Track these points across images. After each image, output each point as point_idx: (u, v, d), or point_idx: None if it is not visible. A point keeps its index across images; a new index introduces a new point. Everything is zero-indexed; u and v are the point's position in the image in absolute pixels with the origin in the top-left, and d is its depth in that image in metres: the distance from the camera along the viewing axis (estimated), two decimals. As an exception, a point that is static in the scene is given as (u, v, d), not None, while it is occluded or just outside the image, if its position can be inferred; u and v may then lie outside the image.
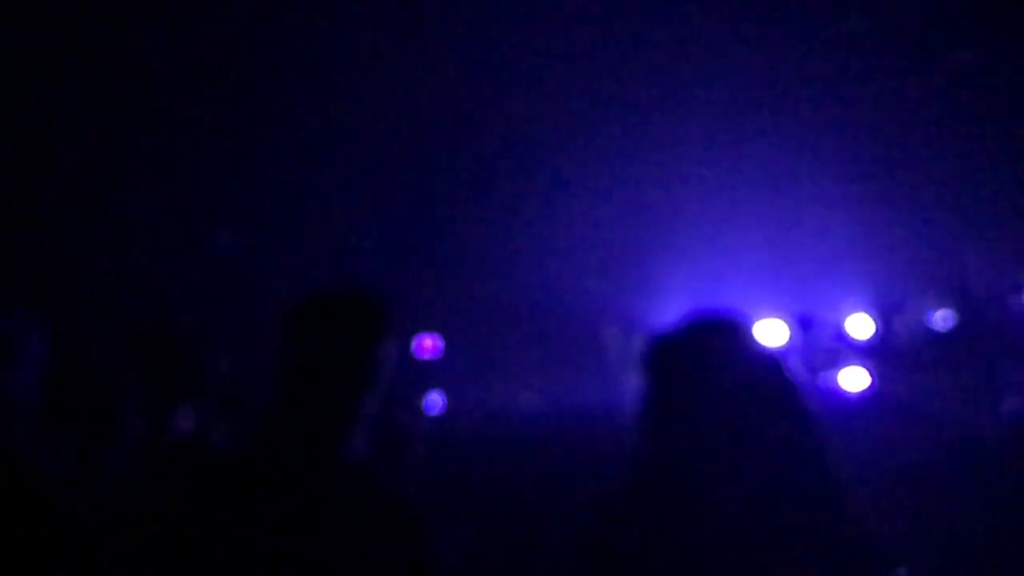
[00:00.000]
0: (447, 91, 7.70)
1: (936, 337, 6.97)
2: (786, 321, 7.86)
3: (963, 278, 6.96)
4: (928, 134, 6.85)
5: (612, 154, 7.84)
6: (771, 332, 8.05)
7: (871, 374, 7.08)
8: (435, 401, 7.79)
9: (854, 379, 7.23)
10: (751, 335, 1.87)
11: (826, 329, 7.62)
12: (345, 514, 1.73)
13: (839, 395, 7.28)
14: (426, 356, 7.96)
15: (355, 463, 1.85)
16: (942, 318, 7.08)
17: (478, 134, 7.88)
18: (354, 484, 1.80)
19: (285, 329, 1.91)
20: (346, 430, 1.87)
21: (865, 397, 6.98)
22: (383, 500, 1.77)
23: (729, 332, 1.82)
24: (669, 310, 8.52)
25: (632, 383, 7.90)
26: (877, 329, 7.33)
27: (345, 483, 1.79)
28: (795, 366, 7.14)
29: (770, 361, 1.83)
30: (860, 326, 7.42)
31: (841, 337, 7.50)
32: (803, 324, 7.57)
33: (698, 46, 7.31)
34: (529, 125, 7.83)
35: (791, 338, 7.87)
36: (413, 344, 7.91)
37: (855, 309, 7.50)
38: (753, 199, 7.63)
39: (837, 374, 7.36)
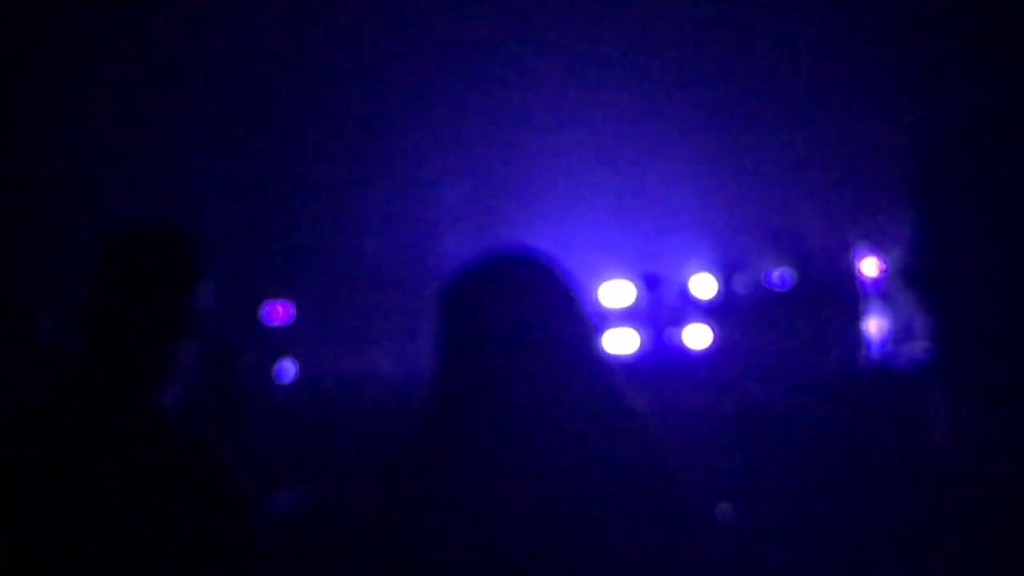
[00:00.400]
0: (300, 58, 7.56)
1: (774, 295, 7.27)
2: (634, 281, 8.10)
3: (799, 239, 7.27)
4: (766, 99, 7.10)
5: (464, 125, 7.86)
6: (619, 292, 8.30)
7: (713, 331, 7.36)
8: (287, 368, 7.68)
9: (698, 336, 7.50)
10: (547, 273, 1.84)
11: (672, 288, 7.86)
12: (149, 463, 1.67)
13: (685, 352, 7.55)
14: (277, 323, 7.84)
15: (167, 411, 1.76)
16: (779, 277, 7.39)
17: (330, 99, 7.76)
18: (161, 433, 1.73)
19: (93, 269, 1.78)
20: (155, 377, 1.76)
21: (708, 353, 7.24)
22: (189, 448, 1.69)
23: (521, 269, 1.80)
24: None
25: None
26: (719, 288, 7.60)
27: (151, 431, 1.71)
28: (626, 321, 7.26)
29: (564, 298, 1.80)
30: (704, 286, 7.69)
31: (685, 296, 7.76)
32: (649, 283, 7.78)
33: (544, 23, 7.41)
34: (384, 95, 7.77)
35: (638, 297, 8.12)
36: (263, 310, 7.78)
37: (699, 269, 7.76)
38: (600, 164, 7.79)
39: (682, 331, 7.62)
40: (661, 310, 7.91)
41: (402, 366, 7.63)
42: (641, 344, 7.99)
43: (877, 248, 6.81)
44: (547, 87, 7.47)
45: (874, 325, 7.01)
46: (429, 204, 8.09)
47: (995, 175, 5.41)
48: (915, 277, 5.86)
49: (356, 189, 8.05)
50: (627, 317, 8.24)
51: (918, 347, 6.23)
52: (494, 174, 7.96)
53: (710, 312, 7.49)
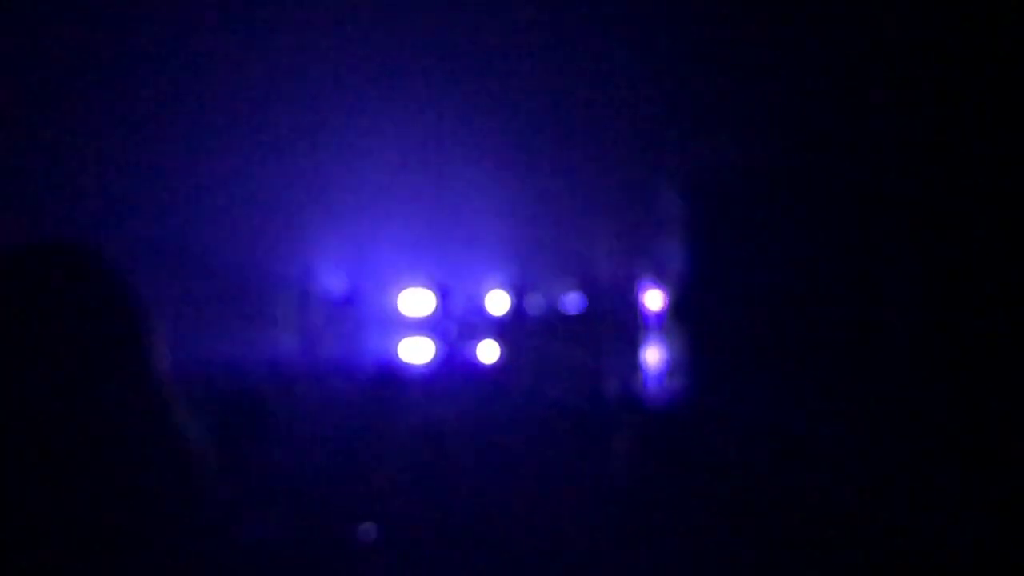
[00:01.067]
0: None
1: (564, 318, 7.53)
2: (433, 291, 8.22)
3: (589, 266, 7.56)
4: (566, 129, 7.37)
5: (267, 122, 7.80)
6: (418, 300, 8.39)
7: (502, 348, 7.56)
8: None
9: (488, 352, 7.69)
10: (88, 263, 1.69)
11: (468, 302, 8.03)
12: None
13: (476, 366, 7.73)
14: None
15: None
16: (572, 301, 7.67)
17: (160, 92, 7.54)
18: None
19: None
20: None
21: (496, 368, 7.45)
22: None
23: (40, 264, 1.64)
24: (326, 274, 8.70)
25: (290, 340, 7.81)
26: (512, 306, 7.81)
27: None
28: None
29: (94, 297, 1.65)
30: (497, 302, 7.88)
31: (479, 310, 7.94)
32: (444, 295, 7.92)
33: (348, 30, 7.47)
34: (184, 83, 7.63)
35: (437, 307, 8.25)
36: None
37: (494, 285, 7.95)
38: (404, 172, 7.88)
39: (476, 346, 7.79)
40: (454, 322, 8.07)
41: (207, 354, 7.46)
42: (436, 355, 8.11)
43: (660, 282, 7.17)
44: (352, 90, 7.51)
45: (653, 356, 7.36)
46: (225, 199, 7.96)
47: (757, 219, 5.83)
48: (681, 313, 6.23)
49: (148, 174, 7.84)
50: (424, 327, 8.35)
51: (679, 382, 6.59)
52: (307, 183, 7.94)
53: (501, 329, 7.69)
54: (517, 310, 7.76)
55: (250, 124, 7.79)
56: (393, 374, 7.66)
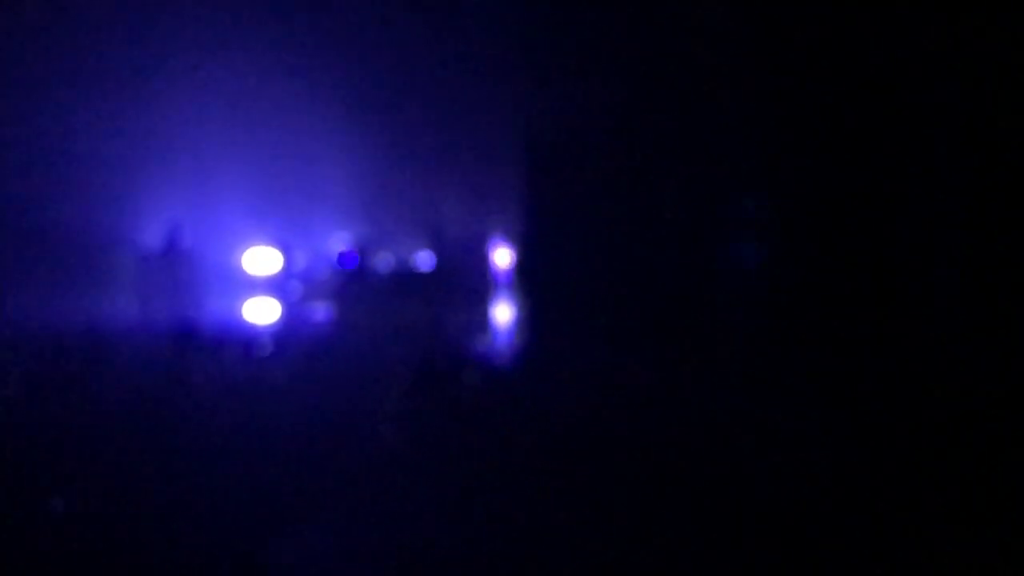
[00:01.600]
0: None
1: (411, 276, 7.32)
2: (279, 250, 7.92)
3: (439, 223, 7.36)
4: (411, 78, 7.12)
5: (102, 69, 7.35)
6: (265, 259, 8.09)
7: (344, 307, 7.34)
8: None
9: (329, 311, 7.46)
10: None
11: (312, 261, 7.76)
12: None
13: (319, 325, 7.48)
14: None
15: None
16: (419, 259, 7.45)
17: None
18: None
19: None
20: None
21: (323, 324, 7.23)
22: None
23: None
24: (160, 232, 8.31)
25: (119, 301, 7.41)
26: (355, 264, 7.57)
27: None
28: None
29: None
30: (340, 260, 7.63)
31: (324, 270, 7.68)
32: (288, 254, 7.64)
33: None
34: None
35: (281, 267, 7.95)
36: None
37: (339, 244, 7.70)
38: (250, 125, 7.55)
39: (318, 305, 7.54)
40: (298, 281, 7.80)
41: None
42: (280, 315, 7.85)
43: (508, 238, 7.01)
44: (191, 30, 7.11)
45: (500, 314, 7.22)
46: (56, 148, 7.46)
47: (606, 168, 5.72)
48: (527, 270, 6.09)
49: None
50: (269, 286, 8.06)
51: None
52: (132, 123, 7.48)
53: (345, 288, 7.44)
54: (361, 268, 7.52)
55: (75, 66, 7.33)
56: (236, 334, 7.39)
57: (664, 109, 5.35)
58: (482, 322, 7.30)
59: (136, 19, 7.38)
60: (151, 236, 8.16)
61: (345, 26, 7.06)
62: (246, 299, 8.05)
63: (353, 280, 7.38)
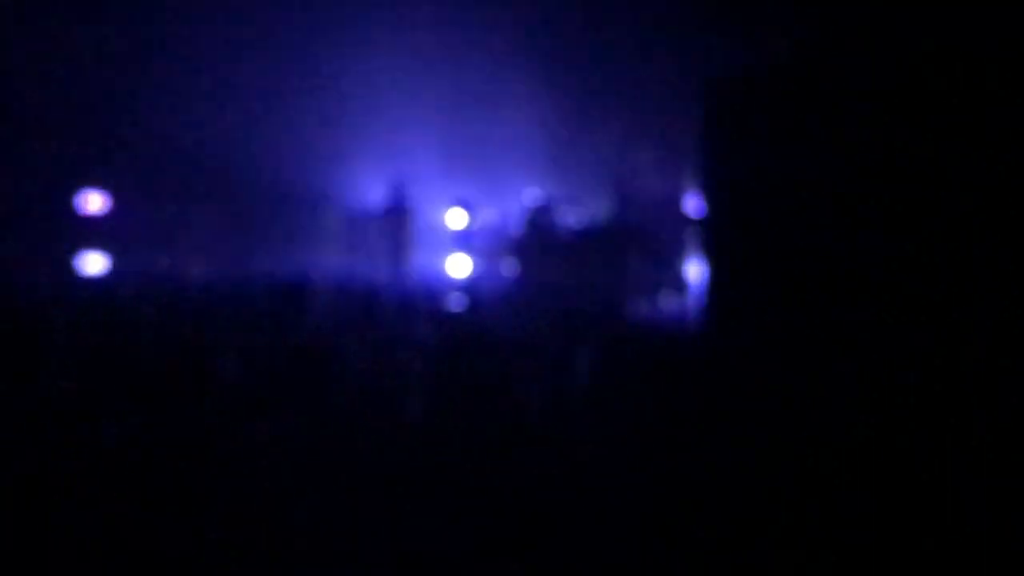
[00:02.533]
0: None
1: (595, 233, 7.22)
2: (466, 208, 8.04)
3: (625, 179, 7.19)
4: (595, 31, 6.95)
5: (294, 39, 7.62)
6: (458, 216, 8.23)
7: (520, 264, 7.36)
8: (96, 261, 7.42)
9: (513, 267, 7.52)
10: None
11: (500, 218, 7.81)
12: None
13: (505, 281, 7.54)
14: (90, 213, 7.53)
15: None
16: (602, 215, 7.33)
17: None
18: None
19: None
20: None
21: (513, 283, 7.25)
22: None
23: None
24: (359, 190, 8.59)
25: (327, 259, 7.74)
26: (540, 221, 7.55)
27: None
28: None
29: None
30: (524, 217, 7.64)
31: (511, 226, 7.71)
32: (477, 211, 7.73)
33: None
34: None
35: (470, 224, 8.07)
36: (76, 200, 7.46)
37: (524, 201, 7.70)
38: (438, 94, 7.68)
39: (501, 261, 7.58)
40: (489, 238, 7.87)
41: (213, 267, 7.43)
42: (473, 269, 7.98)
43: (697, 195, 6.75)
44: (399, 15, 7.26)
45: (686, 274, 6.99)
46: (259, 108, 7.81)
47: (802, 126, 5.35)
48: (715, 227, 5.81)
49: (191, 81, 7.72)
50: (462, 242, 8.19)
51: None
52: (324, 91, 7.74)
53: (528, 245, 7.44)
54: (552, 224, 7.47)
55: (283, 41, 7.62)
56: (438, 287, 7.56)
57: (856, 58, 4.94)
58: (672, 281, 7.11)
59: (373, 4, 7.59)
60: (371, 196, 8.44)
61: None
62: (446, 255, 8.25)
63: (543, 236, 7.36)
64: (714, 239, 5.95)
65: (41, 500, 2.38)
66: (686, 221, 6.93)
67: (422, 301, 7.17)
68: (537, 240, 7.28)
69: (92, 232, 7.42)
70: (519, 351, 5.44)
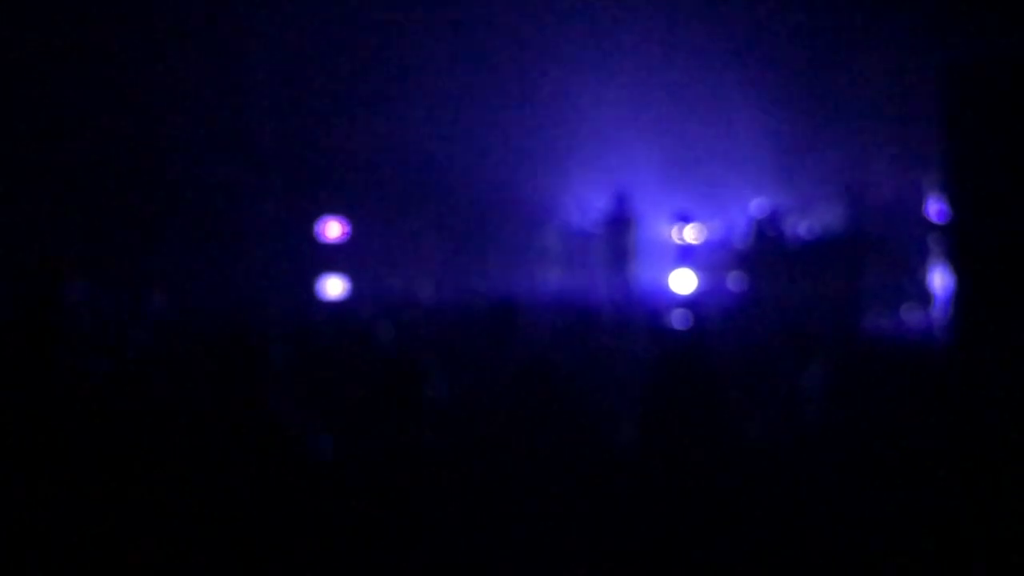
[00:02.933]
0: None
1: (825, 243, 6.87)
2: (690, 221, 7.88)
3: (859, 185, 6.81)
4: (828, 35, 6.64)
5: (534, 56, 7.75)
6: (676, 231, 8.06)
7: (748, 277, 7.11)
8: (336, 284, 7.79)
9: (739, 280, 7.32)
10: None
11: (728, 231, 7.58)
12: None
13: (726, 296, 7.33)
14: (332, 239, 7.92)
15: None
16: (834, 224, 6.97)
17: (388, 19, 7.71)
18: None
19: None
20: None
21: (740, 296, 6.99)
22: None
23: None
24: (582, 210, 8.59)
25: (545, 274, 7.80)
26: (769, 233, 7.27)
27: None
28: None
29: None
30: (751, 230, 7.38)
31: (738, 239, 7.47)
32: (697, 224, 7.57)
33: None
34: (444, 22, 7.71)
35: (695, 236, 7.88)
36: (317, 227, 7.88)
37: (754, 212, 7.44)
38: (663, 112, 7.60)
39: (727, 275, 7.36)
40: (717, 251, 7.66)
41: (442, 290, 7.64)
42: (699, 284, 7.80)
43: (940, 204, 6.29)
44: (611, 26, 7.27)
45: (938, 280, 6.51)
46: (489, 135, 7.98)
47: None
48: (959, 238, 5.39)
49: (422, 113, 8.02)
50: (689, 257, 8.02)
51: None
52: (554, 107, 7.82)
53: (757, 256, 7.16)
54: (779, 236, 7.17)
55: (506, 61, 7.79)
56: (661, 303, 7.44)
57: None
58: (914, 292, 6.66)
59: (593, 19, 7.67)
60: (594, 210, 8.41)
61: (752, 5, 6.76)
62: (670, 269, 8.11)
63: (771, 248, 7.07)
64: (960, 245, 5.52)
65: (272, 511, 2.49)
66: (928, 226, 6.48)
67: (644, 317, 7.05)
68: (765, 252, 6.99)
69: (332, 257, 7.81)
70: (746, 372, 5.23)
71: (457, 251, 7.87)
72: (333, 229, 7.92)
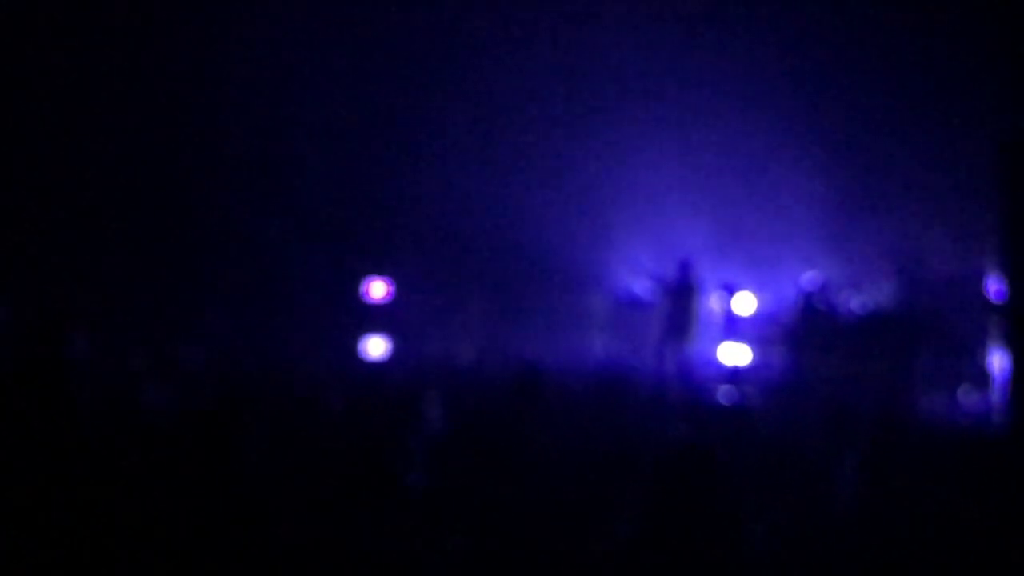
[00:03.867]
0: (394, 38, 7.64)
1: (878, 319, 6.63)
2: (736, 292, 7.68)
3: (913, 261, 6.60)
4: (887, 112, 6.51)
5: (590, 123, 7.73)
6: (742, 302, 7.84)
7: (796, 352, 6.88)
8: (378, 345, 7.73)
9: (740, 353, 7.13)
10: None
11: (782, 301, 7.39)
12: None
13: (773, 370, 7.12)
14: (376, 300, 7.89)
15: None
16: (887, 299, 6.74)
17: (432, 78, 7.76)
18: None
19: None
20: None
21: (786, 372, 6.76)
22: None
23: None
24: (630, 278, 8.46)
25: (592, 342, 7.64)
26: (802, 309, 7.07)
27: None
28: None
29: None
30: (794, 300, 7.20)
31: (790, 312, 7.27)
32: (747, 296, 7.38)
33: (666, 47, 7.26)
34: (490, 84, 7.75)
35: (743, 308, 7.68)
36: (362, 287, 7.85)
37: (807, 282, 7.25)
38: (715, 185, 7.52)
39: (776, 349, 7.16)
40: (770, 324, 7.46)
41: (485, 353, 7.53)
42: (747, 357, 7.58)
43: (999, 277, 6.05)
44: (660, 98, 7.25)
45: (997, 363, 6.23)
46: (537, 201, 7.94)
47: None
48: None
49: (466, 174, 8.01)
50: (743, 329, 7.81)
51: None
52: (607, 179, 7.78)
53: (802, 331, 6.94)
54: (831, 309, 6.96)
55: (559, 127, 7.78)
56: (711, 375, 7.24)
57: None
58: (970, 374, 6.39)
59: (611, 86, 7.68)
60: (649, 279, 8.25)
61: (816, 69, 6.68)
62: (719, 341, 7.90)
63: (821, 322, 6.86)
64: (1018, 326, 5.30)
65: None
66: (986, 306, 6.24)
67: (683, 392, 6.82)
68: (814, 327, 6.77)
69: (377, 317, 7.76)
70: (787, 456, 5.02)
71: (501, 315, 7.78)
72: (378, 289, 7.89)
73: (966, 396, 6.32)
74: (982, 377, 6.37)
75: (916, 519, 3.45)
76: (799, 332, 6.86)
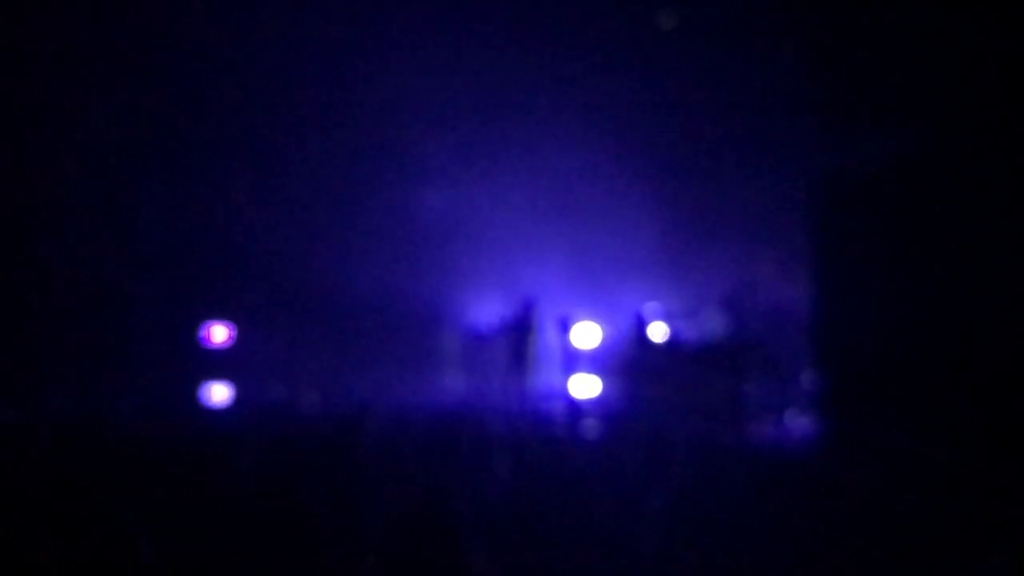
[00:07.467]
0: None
1: (715, 347, 6.91)
2: (599, 323, 7.85)
3: (742, 291, 6.91)
4: (716, 145, 6.83)
5: (428, 160, 7.77)
6: (586, 333, 8.01)
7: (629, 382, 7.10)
8: (219, 391, 7.58)
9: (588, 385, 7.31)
10: None
11: (624, 334, 7.59)
12: None
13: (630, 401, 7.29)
14: (215, 345, 7.74)
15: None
16: (721, 328, 7.02)
17: (284, 106, 7.70)
18: None
19: None
20: None
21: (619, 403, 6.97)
22: None
23: None
24: (480, 310, 8.53)
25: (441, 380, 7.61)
26: (662, 336, 7.30)
27: None
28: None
29: None
30: (652, 333, 7.41)
31: (637, 342, 7.48)
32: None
33: (519, 71, 7.41)
34: (347, 112, 7.73)
35: (602, 341, 7.85)
36: (201, 331, 7.70)
37: (647, 314, 7.47)
38: (560, 213, 7.67)
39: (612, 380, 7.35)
40: (616, 355, 7.64)
41: (329, 398, 7.47)
42: (601, 389, 7.73)
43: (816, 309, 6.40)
44: (499, 125, 7.37)
45: (802, 387, 6.55)
46: (383, 238, 7.94)
47: (909, 230, 5.03)
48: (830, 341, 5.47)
49: (309, 216, 7.95)
50: (591, 361, 7.96)
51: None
52: (446, 210, 7.84)
53: (651, 361, 7.17)
54: (671, 341, 7.20)
55: (400, 167, 7.80)
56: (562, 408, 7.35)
57: (976, 159, 4.61)
58: (790, 398, 6.71)
59: (452, 110, 7.75)
60: (489, 315, 8.32)
61: (645, 106, 6.93)
62: (570, 373, 8.03)
63: (661, 353, 7.08)
64: (824, 347, 5.60)
65: None
66: (801, 332, 6.58)
67: (512, 426, 6.91)
68: (646, 357, 7.01)
69: (217, 363, 7.62)
70: (616, 483, 5.15)
71: (348, 357, 7.72)
72: (219, 333, 7.75)
73: (792, 419, 6.62)
74: (802, 399, 6.71)
75: (723, 542, 3.60)
76: (632, 363, 7.08)
